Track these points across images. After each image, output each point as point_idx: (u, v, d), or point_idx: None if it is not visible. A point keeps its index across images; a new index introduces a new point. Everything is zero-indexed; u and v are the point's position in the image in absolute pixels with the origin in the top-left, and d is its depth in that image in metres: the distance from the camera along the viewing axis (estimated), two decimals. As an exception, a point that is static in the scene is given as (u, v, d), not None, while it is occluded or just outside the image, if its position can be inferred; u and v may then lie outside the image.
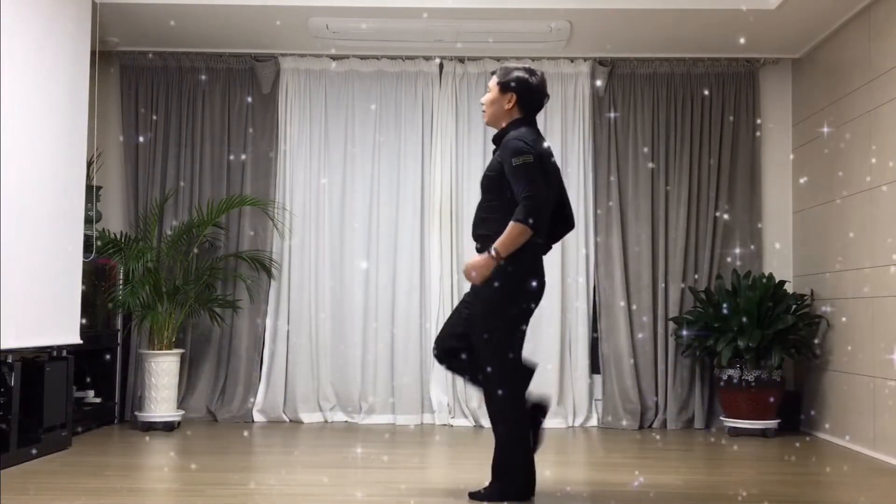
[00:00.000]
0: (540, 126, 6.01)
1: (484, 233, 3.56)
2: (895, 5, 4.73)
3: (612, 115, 6.07)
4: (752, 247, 6.03)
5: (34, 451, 4.37)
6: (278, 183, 6.10)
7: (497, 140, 3.67)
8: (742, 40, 5.76)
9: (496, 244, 3.39)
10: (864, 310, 5.01)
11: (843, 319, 5.29)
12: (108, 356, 5.71)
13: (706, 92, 6.08)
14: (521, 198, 3.40)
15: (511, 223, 3.39)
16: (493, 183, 3.54)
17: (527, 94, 3.63)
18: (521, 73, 3.63)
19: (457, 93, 6.09)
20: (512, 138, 3.53)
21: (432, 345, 3.79)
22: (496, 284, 3.43)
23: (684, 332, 5.66)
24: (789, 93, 6.18)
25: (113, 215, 6.10)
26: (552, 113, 6.07)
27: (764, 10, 5.22)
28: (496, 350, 3.48)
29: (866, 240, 5.01)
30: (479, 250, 3.56)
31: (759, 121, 6.14)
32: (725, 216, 6.03)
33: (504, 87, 3.63)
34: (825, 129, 5.60)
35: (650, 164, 6.04)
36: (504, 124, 3.65)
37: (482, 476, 4.06)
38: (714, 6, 5.23)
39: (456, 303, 5.92)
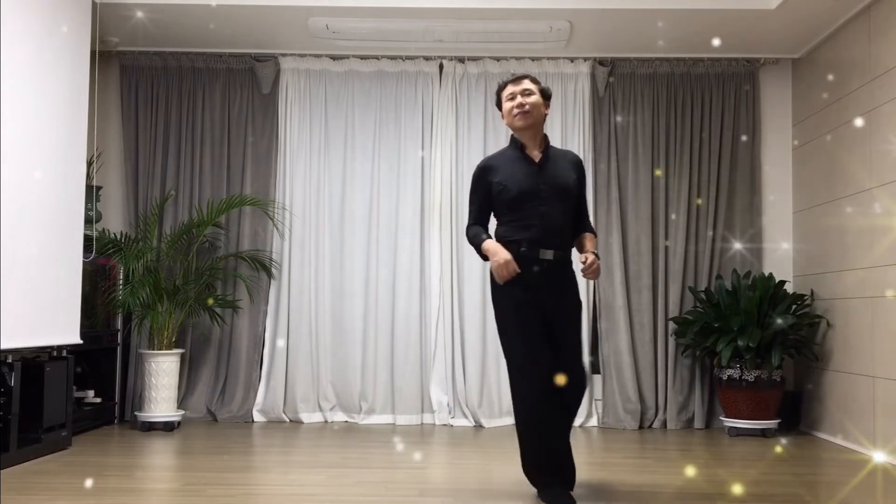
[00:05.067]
0: (540, 126, 6.08)
1: (571, 240, 3.71)
2: (895, 5, 4.74)
3: (614, 118, 6.07)
4: (752, 247, 6.03)
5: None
6: (278, 183, 6.10)
7: (548, 149, 3.70)
8: (742, 40, 5.76)
9: (595, 250, 3.70)
10: (864, 310, 5.01)
11: (843, 319, 5.29)
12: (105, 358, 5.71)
13: (706, 92, 6.08)
14: (587, 214, 3.82)
15: (591, 234, 3.77)
16: (575, 195, 3.71)
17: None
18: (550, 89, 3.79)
19: (457, 93, 6.09)
20: (580, 160, 3.79)
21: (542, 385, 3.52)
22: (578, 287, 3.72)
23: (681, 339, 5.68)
24: (789, 93, 6.18)
25: (113, 215, 6.11)
26: (552, 113, 6.06)
27: (764, 10, 5.22)
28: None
29: (866, 240, 5.01)
30: (563, 257, 3.61)
31: (759, 121, 6.14)
32: (725, 216, 6.03)
33: (546, 94, 3.72)
34: (825, 130, 5.60)
35: (650, 164, 6.04)
36: (539, 133, 3.70)
37: (483, 476, 4.06)
38: (714, 6, 5.23)
39: (456, 303, 5.93)
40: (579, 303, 3.70)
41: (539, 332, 3.51)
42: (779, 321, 5.37)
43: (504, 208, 3.63)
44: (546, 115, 3.70)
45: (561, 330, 3.57)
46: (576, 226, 3.73)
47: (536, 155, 3.66)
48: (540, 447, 3.55)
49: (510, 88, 3.68)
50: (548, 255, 3.56)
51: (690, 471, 4.33)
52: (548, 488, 3.55)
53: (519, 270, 3.51)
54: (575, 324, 3.65)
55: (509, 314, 3.56)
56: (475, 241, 3.65)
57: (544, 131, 3.74)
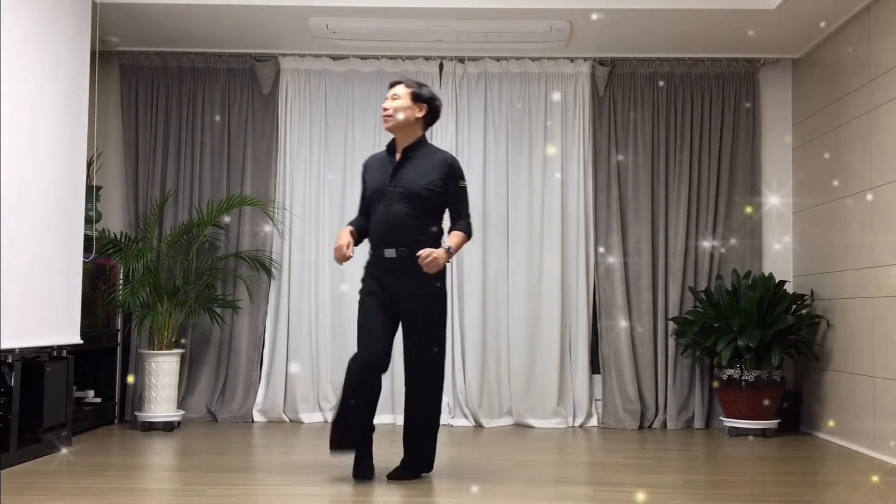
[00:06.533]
0: (540, 126, 6.12)
1: (419, 238, 3.82)
2: (895, 5, 4.74)
3: (614, 118, 6.08)
4: (752, 247, 6.03)
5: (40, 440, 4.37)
6: (278, 183, 6.09)
7: (410, 151, 3.92)
8: (742, 40, 5.76)
9: (452, 245, 3.85)
10: (864, 310, 5.01)
11: (843, 319, 5.29)
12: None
13: (706, 92, 6.08)
14: (467, 214, 3.95)
15: (461, 233, 3.91)
16: (434, 196, 3.86)
17: (433, 113, 3.97)
18: (432, 91, 3.98)
19: (457, 93, 6.09)
20: (451, 160, 3.93)
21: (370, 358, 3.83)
22: (438, 284, 3.88)
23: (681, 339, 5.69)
24: (789, 93, 6.18)
25: (113, 215, 6.10)
26: (552, 113, 6.07)
27: (764, 10, 5.22)
28: (443, 337, 3.94)
29: (866, 240, 5.01)
30: (408, 256, 3.80)
31: (759, 121, 6.14)
32: (725, 216, 6.03)
33: (417, 97, 3.92)
34: (825, 130, 5.60)
35: (650, 164, 6.04)
36: (409, 135, 3.93)
37: (483, 475, 4.06)
38: (714, 6, 5.23)
39: (456, 303, 5.92)
40: (431, 299, 3.85)
41: (379, 325, 3.83)
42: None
43: (369, 205, 3.96)
44: (419, 117, 3.91)
45: (407, 327, 3.88)
46: (451, 223, 3.96)
47: (399, 156, 3.93)
48: (345, 416, 3.82)
49: (388, 93, 3.97)
50: (391, 253, 3.83)
51: (690, 471, 4.33)
52: (340, 447, 3.88)
53: (349, 256, 3.86)
54: (423, 323, 3.85)
55: (361, 304, 3.91)
56: (350, 221, 4.07)
57: (421, 133, 3.97)
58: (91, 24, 5.02)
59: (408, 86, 3.92)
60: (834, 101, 5.47)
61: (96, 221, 5.54)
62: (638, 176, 6.04)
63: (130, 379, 5.77)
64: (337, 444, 3.86)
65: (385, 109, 3.91)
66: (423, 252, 3.74)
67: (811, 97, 5.86)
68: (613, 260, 5.97)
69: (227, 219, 5.93)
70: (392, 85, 3.97)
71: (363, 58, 6.12)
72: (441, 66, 6.12)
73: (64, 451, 4.59)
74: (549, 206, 6.00)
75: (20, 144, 4.27)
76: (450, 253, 3.82)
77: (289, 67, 6.14)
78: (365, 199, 4.02)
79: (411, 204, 3.83)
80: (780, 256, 6.10)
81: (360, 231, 4.01)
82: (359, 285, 3.95)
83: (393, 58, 6.11)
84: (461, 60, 6.11)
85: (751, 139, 6.09)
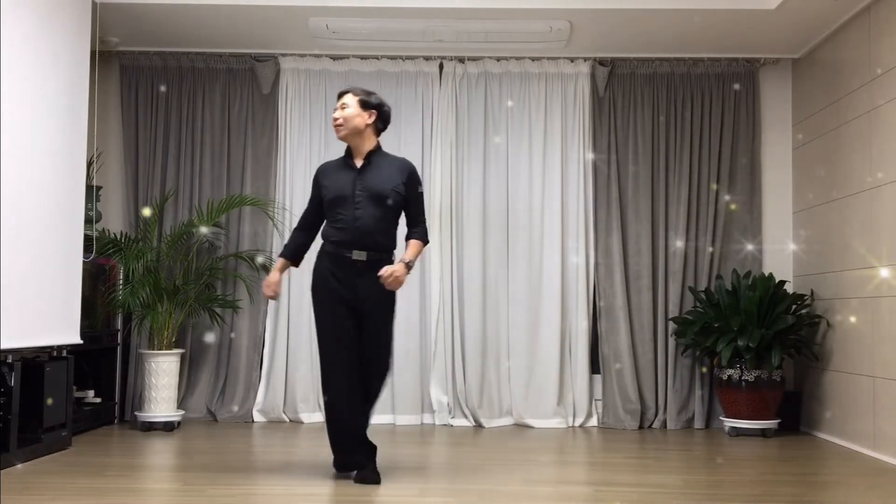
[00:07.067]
0: (540, 126, 6.12)
1: (386, 243, 3.93)
2: (895, 5, 4.74)
3: (614, 118, 6.08)
4: (752, 247, 6.03)
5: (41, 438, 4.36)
6: (278, 183, 6.09)
7: (371, 156, 3.96)
8: (742, 40, 5.76)
9: (410, 259, 3.90)
10: (864, 310, 5.01)
11: (843, 319, 5.29)
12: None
13: (706, 92, 6.08)
14: (422, 220, 4.03)
15: (418, 241, 3.99)
16: (399, 199, 3.94)
17: (382, 118, 4.01)
18: (380, 98, 4.02)
19: (457, 93, 6.09)
20: (411, 166, 4.02)
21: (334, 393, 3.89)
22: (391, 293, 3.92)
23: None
24: (789, 93, 6.18)
25: (113, 215, 6.11)
26: (552, 113, 6.07)
27: (764, 10, 5.23)
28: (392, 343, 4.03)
29: (866, 240, 5.01)
30: (377, 259, 3.87)
31: (759, 121, 6.14)
32: (725, 216, 6.03)
33: (366, 104, 3.96)
34: (825, 130, 5.60)
35: (650, 164, 6.04)
36: (365, 141, 3.97)
37: (482, 475, 4.06)
38: (714, 6, 5.23)
39: (456, 303, 5.93)
40: (391, 302, 3.94)
41: (346, 324, 3.86)
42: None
43: (326, 210, 3.97)
44: (369, 123, 3.95)
45: (369, 326, 3.90)
46: (409, 229, 4.03)
47: (358, 162, 3.97)
48: (341, 425, 3.89)
49: (336, 103, 4.01)
50: (361, 255, 3.86)
51: (690, 471, 4.33)
52: (349, 463, 3.94)
53: (274, 297, 4.03)
54: (383, 322, 3.92)
55: (324, 305, 3.90)
56: (285, 245, 4.14)
57: (376, 139, 4.00)
58: (91, 24, 5.02)
59: (355, 94, 3.96)
60: (834, 101, 5.47)
61: (96, 221, 5.54)
62: (638, 176, 6.04)
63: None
64: (345, 464, 3.99)
65: (336, 119, 3.95)
66: (384, 272, 3.79)
67: (811, 97, 5.86)
68: (613, 260, 5.98)
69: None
70: (340, 95, 4.00)
71: (363, 58, 6.12)
72: (441, 66, 6.12)
73: (64, 451, 4.59)
74: (549, 206, 6.00)
75: (20, 144, 4.27)
76: (409, 267, 3.88)
77: (289, 67, 6.14)
78: (315, 206, 4.04)
79: (380, 207, 3.89)
80: (779, 256, 6.10)
81: (296, 253, 4.10)
82: None
83: (393, 58, 6.11)
84: (461, 60, 6.11)
85: (751, 139, 6.09)
